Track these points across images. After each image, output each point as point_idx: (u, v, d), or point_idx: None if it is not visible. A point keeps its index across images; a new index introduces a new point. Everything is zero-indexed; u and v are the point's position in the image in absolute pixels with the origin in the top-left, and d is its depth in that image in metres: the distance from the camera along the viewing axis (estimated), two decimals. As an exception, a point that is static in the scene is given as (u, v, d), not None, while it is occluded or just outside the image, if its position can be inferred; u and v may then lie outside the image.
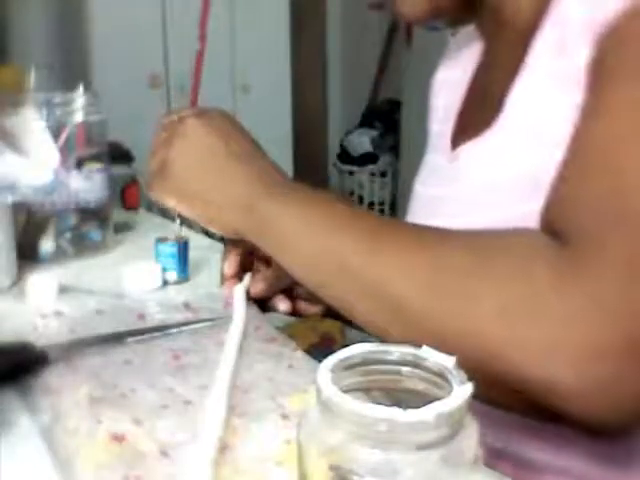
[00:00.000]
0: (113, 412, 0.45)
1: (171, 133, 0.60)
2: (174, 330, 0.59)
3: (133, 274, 0.71)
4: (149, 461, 0.40)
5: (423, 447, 0.26)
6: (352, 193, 3.46)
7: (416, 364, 0.30)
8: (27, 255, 0.78)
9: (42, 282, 0.68)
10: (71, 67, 2.29)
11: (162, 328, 0.59)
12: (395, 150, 3.33)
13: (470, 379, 0.28)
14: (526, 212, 0.46)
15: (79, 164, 0.82)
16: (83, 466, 0.40)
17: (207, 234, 0.82)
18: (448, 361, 0.29)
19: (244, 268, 0.67)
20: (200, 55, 2.62)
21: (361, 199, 3.44)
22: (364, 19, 3.53)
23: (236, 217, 0.56)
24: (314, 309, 0.69)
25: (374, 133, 3.42)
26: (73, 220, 0.83)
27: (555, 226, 0.42)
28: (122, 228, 0.94)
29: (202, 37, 2.61)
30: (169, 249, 0.73)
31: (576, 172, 0.43)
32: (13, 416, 0.46)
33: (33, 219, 0.80)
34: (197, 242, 0.82)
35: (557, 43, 0.48)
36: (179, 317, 0.63)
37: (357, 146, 3.43)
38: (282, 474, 0.40)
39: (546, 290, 0.39)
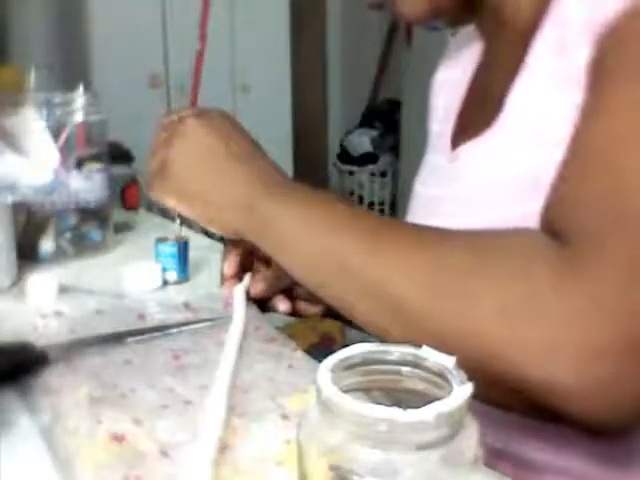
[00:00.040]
0: (113, 412, 0.45)
1: (171, 133, 0.60)
2: (174, 330, 0.59)
3: (133, 274, 0.71)
4: (149, 461, 0.40)
5: (423, 447, 0.26)
6: (352, 193, 3.46)
7: (416, 364, 0.30)
8: (27, 255, 0.78)
9: (42, 282, 0.68)
10: (71, 67, 2.29)
11: (162, 328, 0.59)
12: (395, 150, 3.33)
13: (470, 379, 0.28)
14: (526, 212, 0.46)
15: (79, 164, 0.82)
16: (83, 466, 0.40)
17: (207, 234, 0.82)
18: (448, 361, 0.29)
19: (244, 268, 0.67)
20: (200, 55, 2.62)
21: (361, 199, 3.44)
22: (364, 19, 3.53)
23: (236, 217, 0.56)
24: (314, 309, 0.69)
25: (374, 133, 3.42)
26: (73, 220, 0.83)
27: (555, 226, 0.42)
28: (122, 228, 0.94)
29: (202, 37, 2.61)
30: (169, 249, 0.73)
31: (576, 172, 0.43)
32: (13, 416, 0.46)
33: (33, 219, 0.80)
34: (197, 242, 0.82)
35: (557, 43, 0.48)
36: (179, 317, 0.63)
37: (357, 146, 3.43)
38: (282, 474, 0.40)
39: (546, 290, 0.39)
